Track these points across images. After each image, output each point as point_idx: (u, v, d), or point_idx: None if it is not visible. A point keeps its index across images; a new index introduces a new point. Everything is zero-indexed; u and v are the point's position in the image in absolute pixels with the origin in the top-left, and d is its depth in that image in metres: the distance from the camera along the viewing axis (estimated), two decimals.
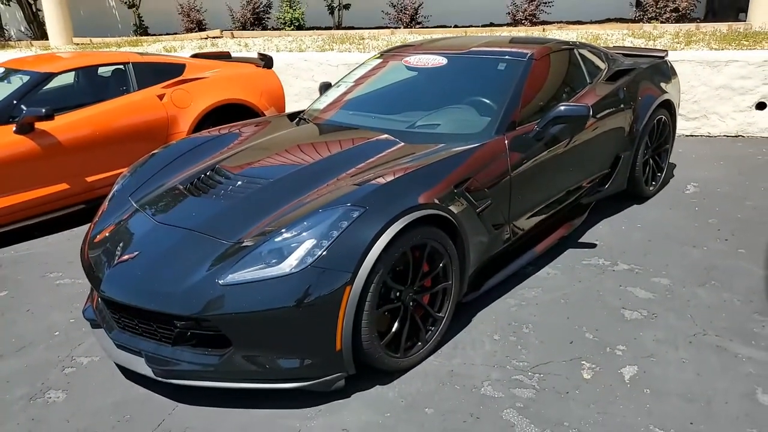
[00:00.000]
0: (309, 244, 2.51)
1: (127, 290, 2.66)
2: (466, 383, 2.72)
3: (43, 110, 4.47)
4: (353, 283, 2.49)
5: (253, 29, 11.05)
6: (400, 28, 10.55)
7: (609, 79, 4.44)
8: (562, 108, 3.47)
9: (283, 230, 2.60)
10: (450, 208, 2.90)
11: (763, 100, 6.36)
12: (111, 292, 2.69)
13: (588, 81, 4.27)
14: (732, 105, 6.40)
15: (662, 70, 4.91)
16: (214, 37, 10.17)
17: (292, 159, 3.34)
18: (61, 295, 3.70)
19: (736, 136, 6.52)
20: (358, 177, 2.94)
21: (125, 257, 2.77)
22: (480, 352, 2.95)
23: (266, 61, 6.21)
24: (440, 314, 2.96)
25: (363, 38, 8.90)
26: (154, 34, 12.81)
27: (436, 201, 2.84)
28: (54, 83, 5.02)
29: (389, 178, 2.82)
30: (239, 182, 3.12)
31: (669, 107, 4.80)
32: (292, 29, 10.84)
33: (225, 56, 6.55)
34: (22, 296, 3.70)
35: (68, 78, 5.24)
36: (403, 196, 2.74)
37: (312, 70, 7.62)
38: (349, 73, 4.53)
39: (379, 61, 4.43)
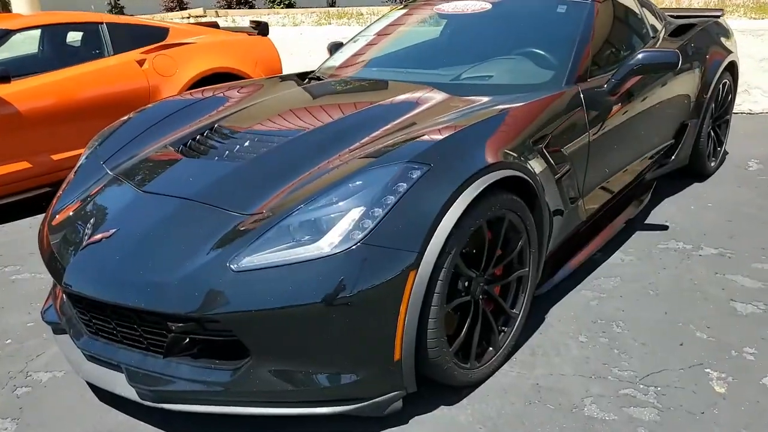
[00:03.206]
0: (356, 213, 1.81)
1: (100, 281, 1.92)
2: (562, 401, 2.04)
3: None
4: (419, 266, 1.79)
5: (239, 8, 10.28)
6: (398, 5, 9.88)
7: (671, 34, 3.81)
8: (646, 55, 2.81)
9: (317, 196, 1.89)
10: (530, 170, 2.22)
11: None
12: (78, 284, 1.96)
13: (651, 35, 3.63)
14: None
15: (723, 29, 4.29)
16: (197, 16, 9.39)
17: (313, 115, 2.62)
18: (17, 294, 2.94)
19: None
20: (410, 130, 2.24)
21: (97, 236, 2.03)
22: (567, 358, 2.27)
23: (261, 29, 5.47)
24: (515, 311, 2.28)
25: (362, 14, 8.19)
26: (131, 15, 11.95)
27: (515, 160, 2.15)
28: (12, 44, 4.23)
29: (454, 130, 2.13)
30: (247, 142, 2.40)
31: (733, 71, 4.19)
32: (282, 8, 10.09)
33: (212, 26, 5.80)
34: None
35: (30, 38, 4.46)
36: (474, 152, 2.05)
37: (309, 46, 6.89)
38: (366, 27, 3.83)
39: (404, 11, 3.73)
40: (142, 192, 2.19)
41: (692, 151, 3.89)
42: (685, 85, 3.63)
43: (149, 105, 3.14)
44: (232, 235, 1.87)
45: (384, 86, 2.91)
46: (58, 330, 2.28)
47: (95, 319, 2.01)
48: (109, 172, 2.47)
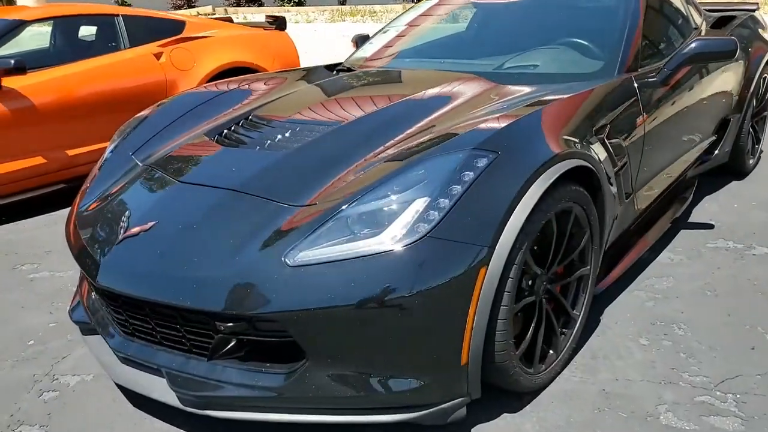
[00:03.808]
0: (420, 204, 1.66)
1: (140, 278, 1.77)
2: (635, 408, 1.89)
3: (13, 61, 3.56)
4: (490, 262, 1.65)
5: (248, 6, 10.15)
6: (411, 3, 9.76)
7: (713, 26, 3.68)
8: (701, 43, 2.67)
9: (376, 186, 1.75)
10: (596, 160, 2.08)
11: None
12: (114, 281, 1.81)
13: (693, 26, 3.49)
14: None
15: (760, 23, 4.16)
16: (206, 14, 9.25)
17: (356, 105, 2.48)
18: (37, 293, 2.79)
19: None
20: (465, 118, 2.10)
21: (135, 230, 1.88)
22: (631, 362, 2.12)
23: (278, 23, 5.34)
24: (575, 312, 2.13)
25: (375, 12, 8.06)
26: None
27: (582, 150, 2.01)
28: (24, 37, 4.08)
29: (516, 118, 1.98)
30: (288, 132, 2.25)
31: None
32: (292, 5, 9.96)
33: (226, 21, 5.66)
34: None
35: (44, 30, 4.32)
36: (541, 141, 1.91)
37: (324, 44, 6.75)
38: (396, 18, 3.69)
39: (435, 1, 3.59)
40: (181, 183, 2.04)
41: (732, 147, 3.76)
42: (729, 78, 3.50)
43: (168, 99, 2.97)
44: (285, 228, 1.72)
45: (425, 76, 2.76)
46: (86, 330, 2.13)
47: (131, 317, 1.87)
48: (140, 163, 2.32)
